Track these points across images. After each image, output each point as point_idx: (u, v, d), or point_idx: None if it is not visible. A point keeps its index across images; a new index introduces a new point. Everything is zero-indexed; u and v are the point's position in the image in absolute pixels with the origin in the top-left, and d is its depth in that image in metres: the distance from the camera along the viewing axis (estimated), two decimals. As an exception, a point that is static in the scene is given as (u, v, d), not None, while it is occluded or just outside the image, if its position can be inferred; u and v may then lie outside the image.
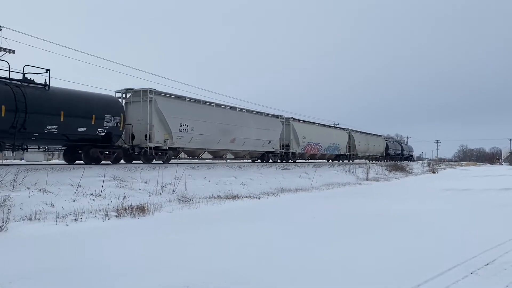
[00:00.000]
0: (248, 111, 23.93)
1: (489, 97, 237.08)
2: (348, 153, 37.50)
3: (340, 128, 38.59)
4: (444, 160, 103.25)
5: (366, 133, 44.34)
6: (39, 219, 7.79)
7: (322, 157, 34.23)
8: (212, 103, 20.89)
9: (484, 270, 5.06)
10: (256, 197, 13.09)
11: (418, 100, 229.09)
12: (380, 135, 49.99)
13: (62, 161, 19.27)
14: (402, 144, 61.33)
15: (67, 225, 7.61)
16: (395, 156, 53.92)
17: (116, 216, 8.63)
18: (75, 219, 8.03)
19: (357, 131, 41.24)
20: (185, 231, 7.48)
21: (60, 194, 9.63)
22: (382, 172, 29.96)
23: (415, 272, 4.86)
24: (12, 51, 12.66)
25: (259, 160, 25.19)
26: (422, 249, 6.12)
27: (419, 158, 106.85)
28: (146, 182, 12.42)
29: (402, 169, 34.36)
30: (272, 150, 25.00)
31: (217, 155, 22.27)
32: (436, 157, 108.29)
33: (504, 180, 26.40)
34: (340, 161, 35.71)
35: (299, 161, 30.07)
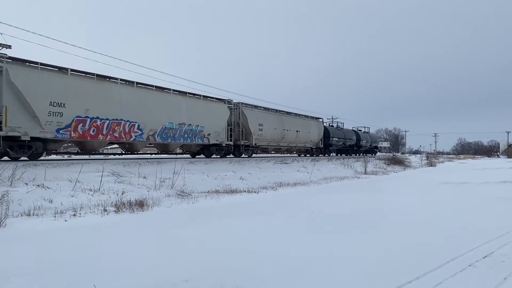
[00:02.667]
0: None
1: (487, 90, 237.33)
2: (229, 143, 21.37)
3: (212, 98, 20.55)
4: (442, 153, 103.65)
5: (282, 111, 27.12)
6: (37, 215, 7.79)
7: (165, 148, 18.22)
8: None
9: (482, 262, 5.08)
10: (255, 192, 13.11)
11: (417, 93, 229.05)
12: (316, 117, 31.90)
13: (60, 157, 19.21)
14: (358, 132, 42.45)
15: (66, 220, 7.61)
16: (346, 148, 37.78)
17: (115, 211, 8.63)
18: (74, 215, 8.03)
19: (258, 107, 24.35)
20: (184, 226, 7.48)
21: (58, 189, 9.63)
22: (380, 165, 30.85)
23: (413, 265, 4.87)
24: (9, 46, 12.55)
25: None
26: (420, 242, 6.14)
27: (417, 152, 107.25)
28: (144, 177, 12.43)
29: (400, 163, 35.85)
30: None
31: None
32: (434, 150, 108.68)
33: (502, 173, 26.52)
34: (213, 155, 20.70)
35: (43, 159, 13.52)
